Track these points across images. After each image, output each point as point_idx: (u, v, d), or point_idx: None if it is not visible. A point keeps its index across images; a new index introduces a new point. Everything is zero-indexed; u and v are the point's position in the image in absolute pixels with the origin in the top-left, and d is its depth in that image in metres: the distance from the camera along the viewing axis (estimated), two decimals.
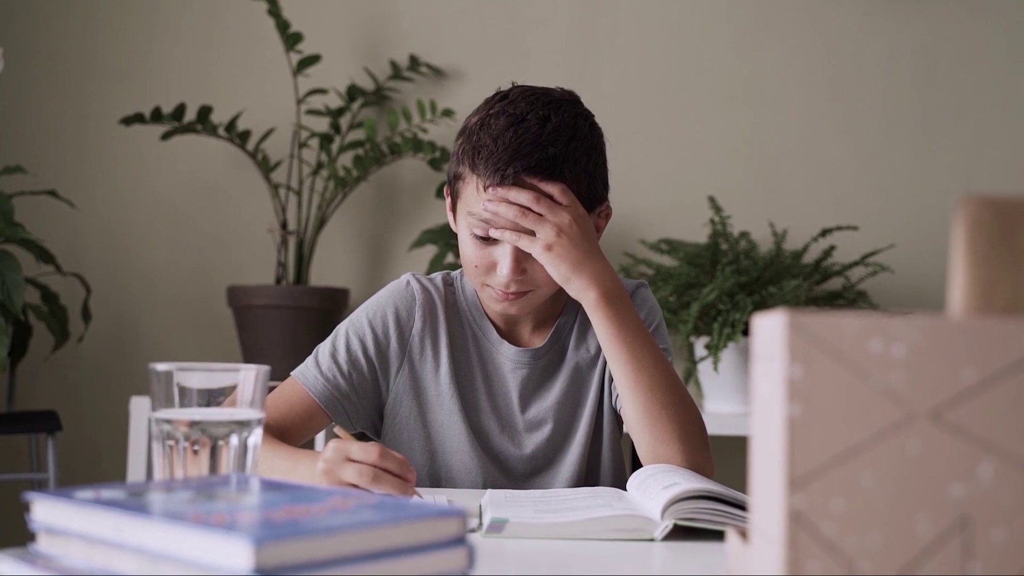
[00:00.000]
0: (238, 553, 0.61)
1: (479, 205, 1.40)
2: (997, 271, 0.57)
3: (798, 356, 0.57)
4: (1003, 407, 0.56)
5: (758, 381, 0.62)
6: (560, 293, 1.53)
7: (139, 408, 2.62)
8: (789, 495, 0.56)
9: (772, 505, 0.58)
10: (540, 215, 1.38)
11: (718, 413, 2.60)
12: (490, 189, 1.39)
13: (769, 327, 0.60)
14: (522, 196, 1.38)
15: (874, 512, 0.56)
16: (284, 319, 2.75)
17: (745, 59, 3.01)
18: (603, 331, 1.41)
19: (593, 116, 1.47)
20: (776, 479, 0.57)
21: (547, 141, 1.38)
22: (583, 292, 1.41)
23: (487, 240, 1.42)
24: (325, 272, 3.02)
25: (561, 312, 1.56)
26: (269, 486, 0.80)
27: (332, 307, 2.82)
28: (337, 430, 1.28)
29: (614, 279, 1.42)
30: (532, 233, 1.39)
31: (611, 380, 1.52)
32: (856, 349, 0.57)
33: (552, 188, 1.39)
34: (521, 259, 1.42)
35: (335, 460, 1.19)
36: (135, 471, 2.61)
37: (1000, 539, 0.56)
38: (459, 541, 0.71)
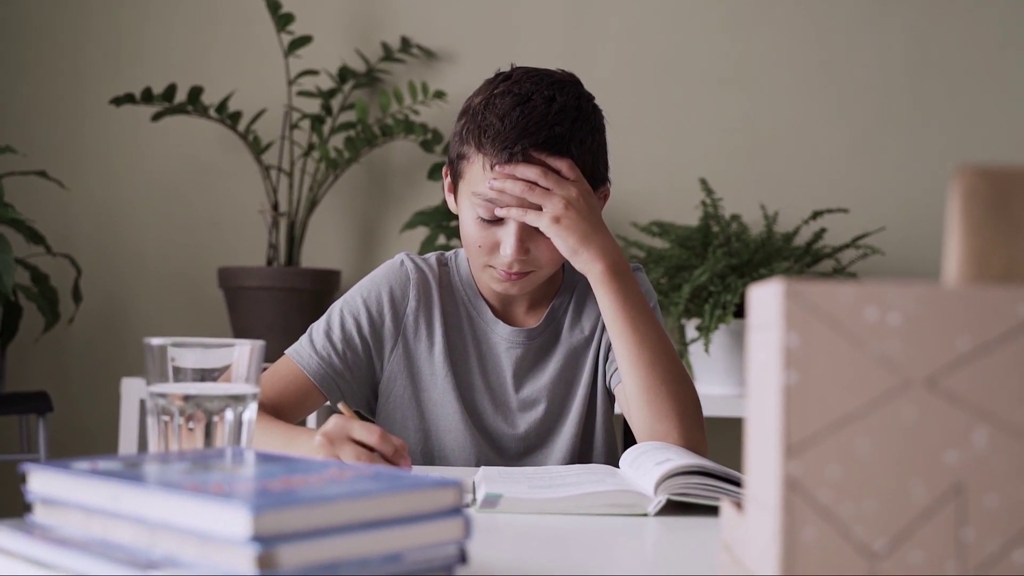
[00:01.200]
0: (236, 521, 0.61)
1: (485, 184, 1.40)
2: (992, 240, 0.58)
3: (795, 324, 0.57)
4: (998, 375, 0.56)
5: (754, 350, 0.63)
6: (556, 274, 1.53)
7: (130, 389, 2.62)
8: (785, 462, 0.57)
9: (768, 472, 0.59)
10: (547, 189, 1.38)
11: (709, 395, 2.60)
12: (497, 167, 1.39)
13: (766, 296, 0.60)
14: (530, 171, 1.38)
15: (869, 479, 0.56)
16: (275, 300, 2.75)
17: (737, 42, 3.01)
18: (608, 305, 1.41)
19: (594, 97, 1.47)
20: (772, 447, 0.58)
21: (554, 120, 1.39)
22: (590, 264, 1.41)
23: (492, 220, 1.42)
24: (316, 254, 3.01)
25: (556, 293, 1.57)
26: (265, 458, 0.81)
27: (323, 289, 2.82)
28: (341, 406, 1.28)
29: (620, 254, 1.42)
30: (539, 208, 1.39)
31: (606, 359, 1.53)
32: (852, 317, 0.57)
33: (560, 163, 1.39)
34: (525, 238, 1.42)
35: (336, 436, 1.19)
36: (126, 452, 2.61)
37: (993, 505, 0.56)
38: (456, 511, 0.71)
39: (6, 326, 2.71)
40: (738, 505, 0.73)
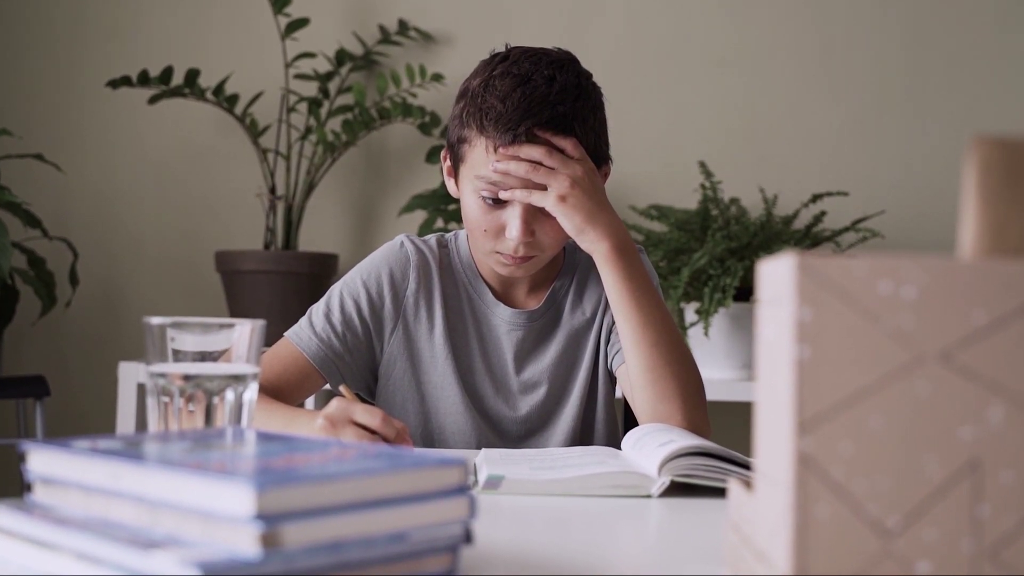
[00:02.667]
0: (240, 499, 0.60)
1: (488, 167, 1.38)
2: (1008, 212, 0.57)
3: (807, 298, 0.56)
4: (1013, 349, 0.55)
5: (764, 326, 0.62)
6: (557, 256, 1.52)
7: (127, 373, 2.61)
8: (797, 438, 0.56)
9: (780, 449, 0.58)
10: (552, 168, 1.37)
11: (708, 379, 2.58)
12: (500, 149, 1.37)
13: (777, 270, 0.59)
14: (534, 151, 1.37)
15: (883, 455, 0.56)
16: (273, 284, 2.74)
17: (735, 24, 3.00)
18: (613, 284, 1.40)
19: (592, 75, 1.46)
20: (784, 423, 0.57)
21: (556, 100, 1.37)
22: (596, 243, 1.40)
23: (496, 203, 1.41)
24: (314, 237, 3.00)
25: (557, 275, 1.56)
26: (267, 437, 0.80)
27: (321, 272, 2.81)
28: (342, 388, 1.27)
29: (626, 233, 1.42)
30: (543, 188, 1.38)
31: (607, 342, 1.52)
32: (866, 291, 0.56)
33: (564, 142, 1.38)
34: (530, 220, 1.41)
35: (338, 419, 1.18)
36: None
37: (1009, 481, 0.55)
38: (460, 490, 0.70)
39: (3, 310, 2.70)
40: (746, 484, 0.72)
